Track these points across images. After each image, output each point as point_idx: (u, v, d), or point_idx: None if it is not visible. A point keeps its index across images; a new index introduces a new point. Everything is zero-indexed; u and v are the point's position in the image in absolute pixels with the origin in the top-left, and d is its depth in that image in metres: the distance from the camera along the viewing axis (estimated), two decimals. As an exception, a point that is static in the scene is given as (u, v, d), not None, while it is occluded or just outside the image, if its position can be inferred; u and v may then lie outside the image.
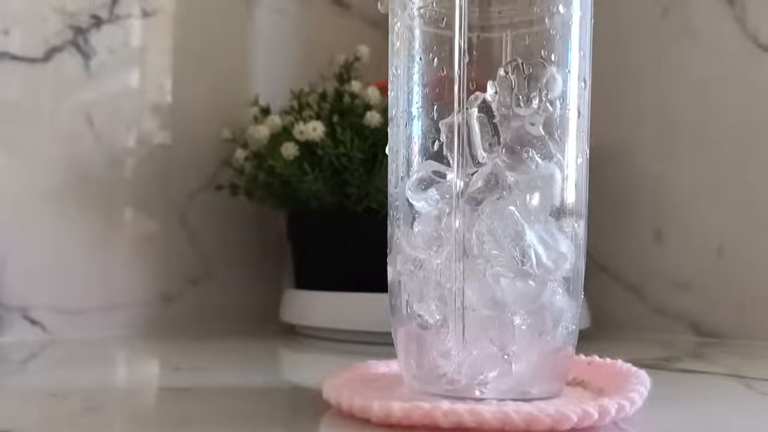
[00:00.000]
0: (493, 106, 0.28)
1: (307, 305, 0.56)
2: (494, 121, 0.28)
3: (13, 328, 0.51)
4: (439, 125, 0.28)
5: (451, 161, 0.28)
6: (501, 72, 0.28)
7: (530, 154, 0.28)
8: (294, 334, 0.58)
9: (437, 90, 0.29)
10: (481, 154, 0.28)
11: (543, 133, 0.28)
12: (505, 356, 0.27)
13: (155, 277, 0.59)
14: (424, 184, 0.29)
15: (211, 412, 0.30)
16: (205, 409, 0.30)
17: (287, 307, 0.58)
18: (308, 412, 0.29)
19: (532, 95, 0.28)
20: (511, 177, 0.28)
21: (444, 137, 0.28)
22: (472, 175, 0.28)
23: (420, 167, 0.29)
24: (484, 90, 0.28)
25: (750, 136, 0.59)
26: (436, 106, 0.29)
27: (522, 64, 0.28)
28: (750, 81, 0.59)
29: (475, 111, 0.28)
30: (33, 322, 0.52)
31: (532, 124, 0.28)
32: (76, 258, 0.55)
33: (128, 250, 0.58)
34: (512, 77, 0.28)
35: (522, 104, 0.28)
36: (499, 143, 0.28)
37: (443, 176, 0.29)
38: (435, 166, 0.29)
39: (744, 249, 0.58)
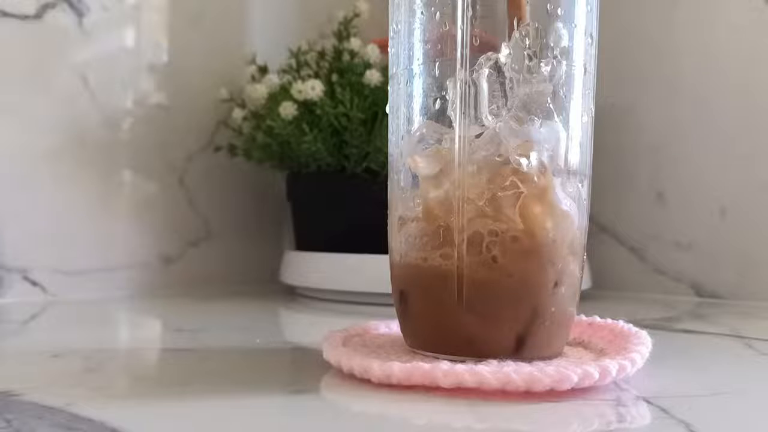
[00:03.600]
0: (505, 69, 0.27)
1: (307, 266, 0.56)
2: (504, 83, 0.27)
3: (13, 289, 0.51)
4: (447, 83, 0.28)
5: (453, 123, 0.27)
6: (516, 34, 0.27)
7: (535, 118, 0.27)
8: (294, 295, 0.58)
9: (439, 46, 0.28)
10: (487, 117, 0.27)
11: (552, 106, 0.27)
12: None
13: (155, 239, 0.59)
14: (425, 144, 0.28)
15: (212, 373, 0.30)
16: (206, 370, 0.30)
17: (287, 268, 0.58)
18: (309, 372, 0.29)
19: (543, 62, 0.27)
20: (513, 143, 0.27)
21: (450, 96, 0.27)
22: (477, 137, 0.27)
23: (420, 127, 0.29)
24: (489, 47, 0.27)
25: (753, 96, 0.58)
26: (437, 63, 0.28)
27: (538, 29, 0.27)
28: (755, 40, 0.58)
29: (485, 71, 0.27)
30: (33, 283, 0.53)
31: (543, 93, 0.27)
32: (76, 219, 0.55)
33: (128, 211, 0.58)
34: (527, 41, 0.27)
35: (534, 71, 0.27)
36: (506, 107, 0.27)
37: (442, 139, 0.28)
38: (435, 127, 0.28)
39: (746, 210, 0.58)
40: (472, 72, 0.27)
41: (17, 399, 0.24)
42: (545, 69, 0.27)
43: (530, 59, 0.27)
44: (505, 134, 0.27)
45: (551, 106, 0.27)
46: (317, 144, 0.54)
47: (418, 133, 0.28)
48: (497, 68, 0.27)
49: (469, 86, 0.27)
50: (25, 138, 0.53)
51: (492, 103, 0.27)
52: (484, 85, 0.27)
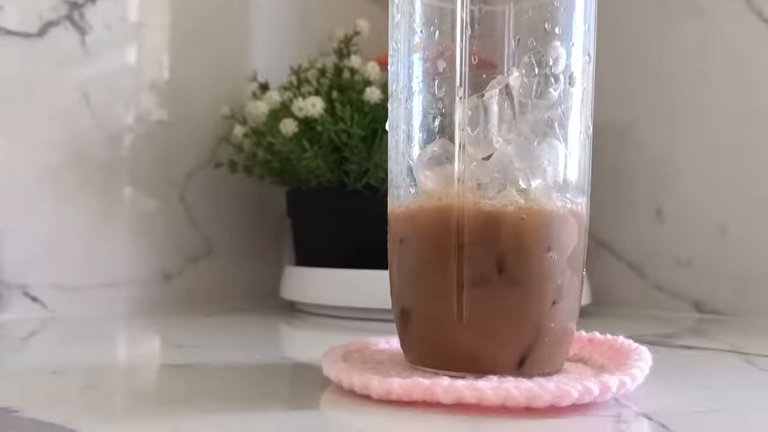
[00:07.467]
0: (514, 93, 0.27)
1: (307, 282, 0.56)
2: (513, 106, 0.27)
3: (13, 306, 0.51)
4: (455, 105, 0.28)
5: (455, 141, 0.28)
6: (525, 59, 0.27)
7: (539, 142, 0.27)
8: (294, 310, 0.58)
9: (438, 64, 0.28)
10: (496, 139, 0.27)
11: (558, 130, 0.27)
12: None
13: (155, 255, 0.59)
14: (435, 162, 0.28)
15: (211, 389, 0.30)
16: (205, 386, 0.30)
17: (287, 284, 0.58)
18: (308, 388, 0.29)
19: (551, 88, 0.27)
20: (520, 164, 0.27)
21: (457, 114, 0.28)
22: (486, 158, 0.27)
23: (435, 143, 0.29)
24: (487, 65, 0.28)
25: (753, 113, 0.58)
26: (437, 81, 0.28)
27: (544, 56, 0.27)
28: (753, 57, 0.58)
29: (495, 93, 0.27)
30: (33, 299, 0.52)
31: (550, 119, 0.27)
32: (76, 236, 0.55)
33: (128, 227, 0.58)
34: (535, 68, 0.27)
35: (543, 95, 0.27)
36: (515, 130, 0.27)
37: (451, 157, 0.28)
38: (448, 145, 0.28)
39: (745, 227, 0.58)
40: (482, 95, 0.27)
41: (17, 415, 0.24)
42: (554, 94, 0.27)
43: (539, 84, 0.27)
44: (514, 156, 0.27)
45: (556, 126, 0.27)
46: (317, 160, 0.54)
47: (429, 150, 0.29)
48: (507, 91, 0.27)
49: (476, 107, 0.27)
50: (26, 154, 0.53)
51: (501, 125, 0.27)
52: (494, 108, 0.27)
